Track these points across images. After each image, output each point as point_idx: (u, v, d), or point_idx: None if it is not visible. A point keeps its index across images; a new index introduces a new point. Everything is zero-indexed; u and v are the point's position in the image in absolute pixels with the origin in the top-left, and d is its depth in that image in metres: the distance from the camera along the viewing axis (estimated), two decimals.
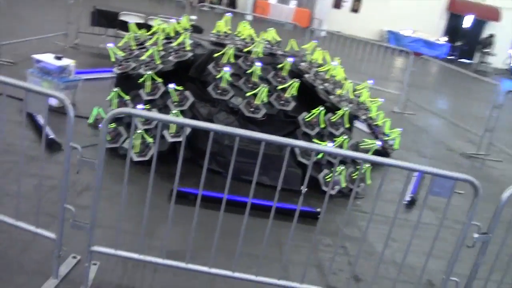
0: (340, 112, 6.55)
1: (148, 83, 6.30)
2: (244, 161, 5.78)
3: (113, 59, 6.95)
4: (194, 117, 6.20)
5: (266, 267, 4.14)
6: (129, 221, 4.39)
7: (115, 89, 6.36)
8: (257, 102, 6.19)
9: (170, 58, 6.72)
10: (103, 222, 4.18)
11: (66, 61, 7.46)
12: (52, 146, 5.94)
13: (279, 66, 6.67)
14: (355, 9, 27.02)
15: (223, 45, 6.94)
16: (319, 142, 6.23)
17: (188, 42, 6.78)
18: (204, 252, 4.06)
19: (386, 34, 26.26)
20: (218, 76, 6.35)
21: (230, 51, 6.53)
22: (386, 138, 7.98)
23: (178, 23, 7.61)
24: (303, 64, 7.14)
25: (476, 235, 3.52)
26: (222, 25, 7.47)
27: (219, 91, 6.32)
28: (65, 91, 7.30)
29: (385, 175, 3.61)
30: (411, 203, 6.45)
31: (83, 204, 4.46)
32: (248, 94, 6.27)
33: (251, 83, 6.45)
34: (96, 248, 3.63)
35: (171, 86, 6.19)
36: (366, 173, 6.33)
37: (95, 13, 10.76)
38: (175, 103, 6.18)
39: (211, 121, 6.17)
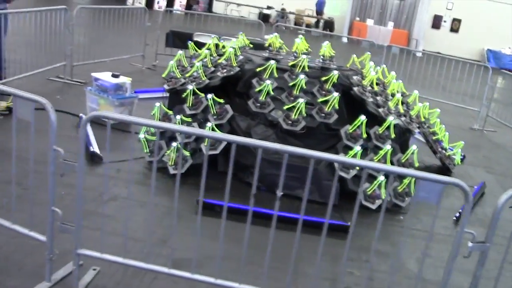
0: (385, 124, 6.27)
1: (190, 98, 6.36)
2: (279, 174, 5.66)
3: (164, 75, 7.11)
4: (233, 130, 6.18)
5: (276, 279, 4.03)
6: (144, 230, 4.44)
7: (158, 104, 6.49)
8: (294, 115, 6.06)
9: (218, 73, 6.78)
10: (121, 231, 4.14)
11: (122, 79, 7.73)
12: (93, 158, 6.14)
13: (324, 79, 6.50)
14: (454, 29, 26.04)
15: (275, 60, 6.91)
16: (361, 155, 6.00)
17: (234, 57, 6.79)
18: (210, 261, 4.05)
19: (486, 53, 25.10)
20: (257, 90, 6.30)
21: (272, 65, 6.46)
22: (448, 153, 7.55)
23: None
24: (355, 77, 6.94)
25: (470, 244, 3.21)
26: (301, 44, 7.37)
27: (258, 104, 6.26)
28: (120, 108, 7.58)
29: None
30: (459, 219, 6.00)
31: (108, 213, 4.64)
32: (285, 107, 6.16)
33: (293, 97, 6.34)
34: (83, 251, 3.66)
35: (209, 96, 6.22)
36: (410, 185, 6.01)
37: (169, 34, 11.14)
38: (214, 117, 6.19)
39: (249, 134, 6.13)
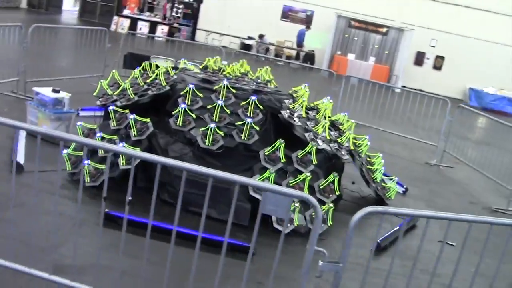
0: (307, 148, 6.24)
1: (112, 115, 6.37)
2: (193, 193, 5.64)
3: (95, 94, 7.09)
4: (151, 146, 6.15)
5: None
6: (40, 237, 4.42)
7: (79, 123, 6.50)
8: (207, 141, 6.03)
9: (149, 92, 6.78)
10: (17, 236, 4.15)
11: (62, 94, 7.72)
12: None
13: (243, 103, 6.50)
14: (437, 66, 26.17)
15: (209, 81, 6.94)
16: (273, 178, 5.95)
17: (162, 77, 6.80)
18: (96, 270, 4.00)
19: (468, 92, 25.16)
20: (175, 112, 6.30)
21: (186, 88, 6.52)
22: (384, 184, 7.51)
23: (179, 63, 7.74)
24: (287, 102, 6.94)
25: (320, 263, 3.13)
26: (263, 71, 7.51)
27: (179, 123, 6.24)
28: (57, 122, 7.55)
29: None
30: (379, 248, 5.91)
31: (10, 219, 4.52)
32: (202, 129, 6.13)
33: (218, 117, 6.32)
34: None
35: (131, 116, 6.21)
36: (328, 213, 5.95)
37: (127, 56, 11.17)
38: (135, 133, 6.16)
39: (167, 151, 6.10)
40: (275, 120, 6.71)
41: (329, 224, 5.99)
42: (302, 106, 7.02)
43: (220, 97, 6.56)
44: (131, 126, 6.18)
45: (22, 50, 9.51)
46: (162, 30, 25.00)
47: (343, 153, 6.72)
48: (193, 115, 6.33)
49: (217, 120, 6.29)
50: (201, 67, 7.65)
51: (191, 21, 26.59)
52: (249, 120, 6.19)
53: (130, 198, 3.54)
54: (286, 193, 3.08)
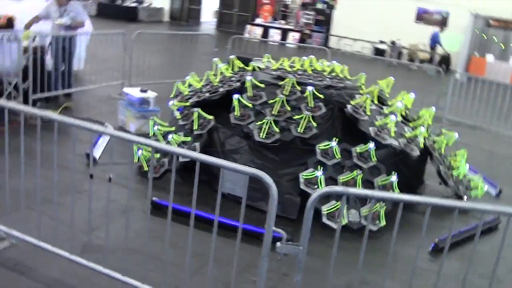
0: (367, 145, 6.04)
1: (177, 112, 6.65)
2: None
3: (172, 95, 7.40)
4: (212, 141, 6.30)
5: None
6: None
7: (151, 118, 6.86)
8: (261, 134, 6.03)
9: (220, 90, 6.96)
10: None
11: (148, 94, 8.15)
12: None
13: (305, 95, 6.42)
14: None
15: (281, 78, 6.96)
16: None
17: (229, 74, 6.95)
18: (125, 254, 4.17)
19: None
20: (235, 104, 6.39)
21: (248, 83, 6.59)
22: (470, 183, 7.04)
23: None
24: (357, 96, 6.78)
25: (278, 244, 3.05)
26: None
27: (238, 117, 6.32)
28: (142, 120, 7.98)
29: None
30: (436, 249, 5.56)
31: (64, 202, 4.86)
32: (258, 122, 6.15)
33: (278, 111, 6.32)
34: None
35: (195, 109, 6.40)
36: (380, 212, 5.71)
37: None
38: (197, 128, 6.35)
39: (224, 145, 6.23)
40: (343, 115, 6.56)
41: (382, 223, 5.72)
42: (373, 101, 6.81)
43: (284, 91, 6.53)
44: (195, 120, 6.36)
45: (126, 55, 10.14)
46: (293, 37, 25.28)
47: (412, 149, 6.39)
48: (250, 105, 6.36)
49: (276, 114, 6.27)
50: (274, 66, 7.66)
51: (324, 28, 26.61)
52: (307, 113, 6.11)
53: (111, 175, 3.67)
54: (241, 171, 3.04)
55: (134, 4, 28.45)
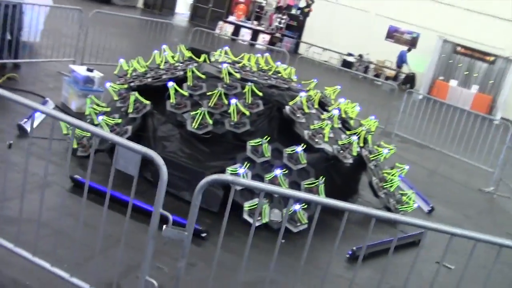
0: (296, 147, 6.04)
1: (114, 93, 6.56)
2: (172, 174, 5.60)
3: (115, 72, 7.31)
4: (145, 125, 6.22)
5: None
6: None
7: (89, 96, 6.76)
8: (194, 124, 5.98)
9: (163, 76, 6.88)
10: None
11: (94, 74, 8.03)
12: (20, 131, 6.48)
13: (244, 91, 6.39)
14: None
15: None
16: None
17: (173, 62, 6.91)
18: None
19: None
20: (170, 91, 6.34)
21: (189, 73, 6.56)
22: (402, 197, 7.09)
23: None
24: (300, 97, 6.77)
25: (164, 227, 3.01)
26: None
27: (174, 105, 6.26)
28: (84, 99, 7.83)
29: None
30: (353, 257, 5.56)
31: None
32: (193, 113, 6.10)
33: (215, 103, 6.28)
34: None
35: (133, 93, 6.32)
36: (301, 215, 5.71)
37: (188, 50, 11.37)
38: (132, 111, 6.27)
39: (157, 131, 6.16)
40: (281, 116, 6.54)
41: (303, 225, 5.71)
42: (313, 104, 6.82)
43: (224, 81, 6.51)
44: (130, 103, 6.28)
45: (81, 34, 9.99)
46: (263, 39, 25.32)
47: (345, 156, 6.41)
48: (186, 94, 6.31)
49: (213, 106, 6.23)
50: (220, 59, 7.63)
51: (296, 33, 26.72)
52: (234, 100, 6.08)
53: (11, 142, 3.59)
54: (134, 149, 2.99)
55: None
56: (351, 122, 7.61)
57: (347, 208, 3.40)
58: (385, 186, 6.91)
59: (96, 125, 6.01)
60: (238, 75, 6.69)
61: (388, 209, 6.77)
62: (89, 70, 8.09)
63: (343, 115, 7.22)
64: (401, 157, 9.98)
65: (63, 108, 7.93)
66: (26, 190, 4.01)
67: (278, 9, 27.29)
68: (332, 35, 25.33)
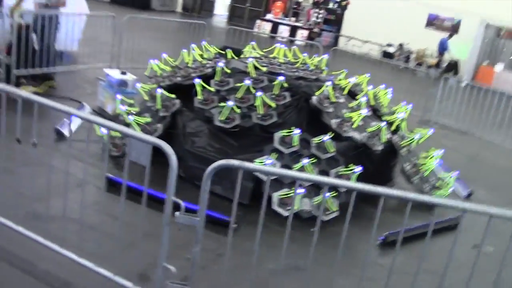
0: (323, 136, 6.07)
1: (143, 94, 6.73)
2: (202, 168, 5.70)
3: (146, 73, 7.48)
4: (175, 123, 6.36)
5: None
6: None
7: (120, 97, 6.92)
8: (221, 117, 6.07)
9: (192, 75, 7.01)
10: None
11: (128, 76, 8.24)
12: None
13: (274, 83, 6.45)
14: None
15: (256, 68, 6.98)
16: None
17: (200, 59, 7.03)
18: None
19: None
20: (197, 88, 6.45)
21: (218, 69, 6.64)
22: (438, 181, 7.00)
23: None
24: (327, 86, 6.80)
25: (177, 214, 3.10)
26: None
27: (202, 101, 6.37)
28: None
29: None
30: (385, 243, 5.56)
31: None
32: (219, 106, 6.20)
33: (241, 98, 6.36)
34: None
35: (159, 91, 6.47)
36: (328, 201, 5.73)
37: (221, 49, 11.50)
38: (162, 108, 6.42)
39: (186, 127, 6.30)
40: (309, 107, 6.58)
41: (334, 212, 5.73)
42: (343, 93, 6.85)
43: (251, 74, 6.59)
44: (158, 100, 6.42)
45: (116, 39, 10.24)
46: (302, 35, 25.29)
47: (374, 143, 6.39)
48: (213, 90, 6.41)
49: (240, 99, 6.31)
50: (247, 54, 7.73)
51: (335, 27, 26.59)
52: (260, 93, 6.14)
53: (35, 141, 3.74)
54: (144, 140, 3.09)
55: None
56: (385, 109, 7.57)
57: (382, 193, 3.38)
58: (419, 171, 6.85)
59: (127, 125, 6.17)
60: (264, 69, 6.75)
61: (422, 192, 6.73)
62: (123, 73, 8.30)
63: (372, 103, 7.19)
64: (440, 143, 9.88)
65: (100, 111, 8.17)
66: (63, 190, 4.18)
67: (316, 4, 27.19)
68: (371, 27, 25.01)
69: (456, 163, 8.75)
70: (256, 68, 6.76)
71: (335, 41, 26.26)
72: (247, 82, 6.42)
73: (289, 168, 5.86)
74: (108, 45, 10.78)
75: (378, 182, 6.50)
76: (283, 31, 25.66)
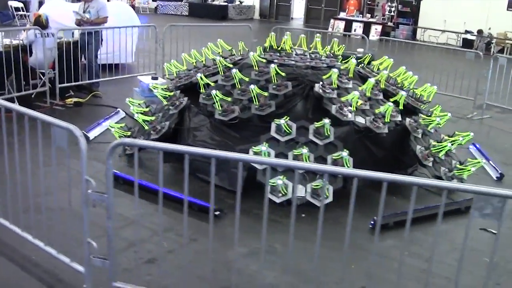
0: (320, 122, 6.11)
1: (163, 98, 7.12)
2: (203, 160, 5.94)
3: (166, 75, 7.87)
4: (182, 119, 6.66)
5: None
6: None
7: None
8: (217, 107, 6.28)
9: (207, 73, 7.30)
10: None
11: (158, 81, 8.66)
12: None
13: (273, 73, 6.57)
14: None
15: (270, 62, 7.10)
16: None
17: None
18: None
19: None
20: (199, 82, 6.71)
21: (219, 63, 6.86)
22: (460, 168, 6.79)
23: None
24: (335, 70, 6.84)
25: (89, 191, 3.34)
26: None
27: (204, 96, 6.62)
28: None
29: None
30: (374, 226, 5.49)
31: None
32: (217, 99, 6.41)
33: (242, 90, 6.55)
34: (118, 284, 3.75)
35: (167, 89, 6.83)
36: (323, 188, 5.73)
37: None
38: (172, 105, 6.76)
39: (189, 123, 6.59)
40: (315, 95, 6.63)
41: (328, 198, 5.70)
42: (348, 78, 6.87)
43: (256, 71, 6.75)
44: (162, 99, 6.81)
45: (158, 47, 10.75)
46: (376, 30, 24.93)
47: (379, 126, 6.33)
48: (212, 84, 6.69)
49: (240, 93, 6.49)
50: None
51: (411, 20, 25.99)
52: (252, 86, 6.28)
53: None
54: (61, 126, 3.34)
55: (224, 3, 29.37)
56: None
57: (382, 178, 3.31)
58: (432, 153, 6.66)
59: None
60: (263, 60, 6.88)
61: (439, 179, 6.51)
62: (154, 78, 8.72)
63: (382, 86, 7.12)
64: (487, 125, 9.63)
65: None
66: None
67: None
68: (448, 15, 24.22)
69: (502, 146, 8.52)
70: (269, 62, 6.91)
71: (413, 34, 25.64)
72: (253, 76, 6.59)
73: (285, 155, 5.95)
74: (159, 55, 11.24)
75: (390, 167, 6.50)
76: (357, 28, 25.43)
